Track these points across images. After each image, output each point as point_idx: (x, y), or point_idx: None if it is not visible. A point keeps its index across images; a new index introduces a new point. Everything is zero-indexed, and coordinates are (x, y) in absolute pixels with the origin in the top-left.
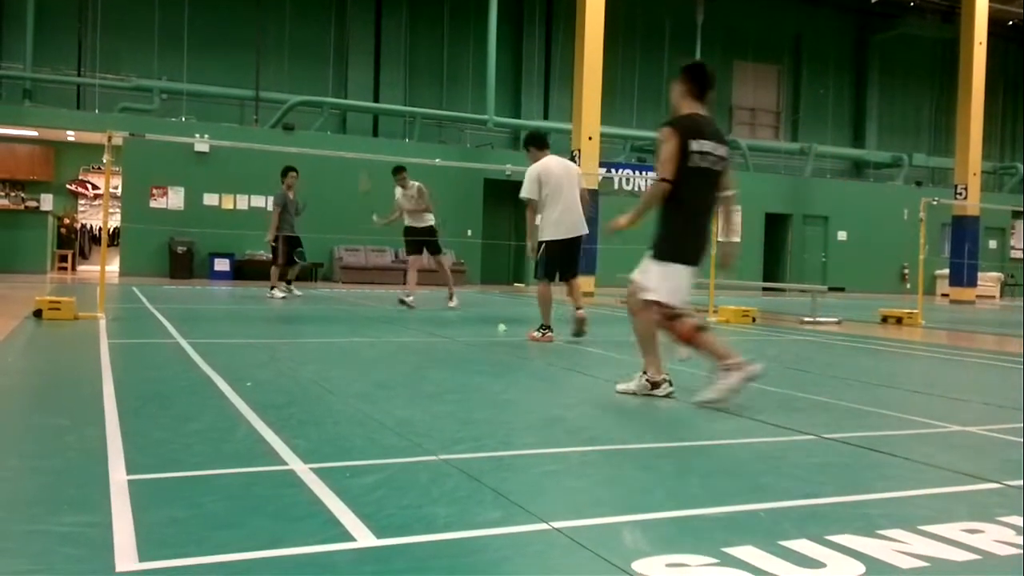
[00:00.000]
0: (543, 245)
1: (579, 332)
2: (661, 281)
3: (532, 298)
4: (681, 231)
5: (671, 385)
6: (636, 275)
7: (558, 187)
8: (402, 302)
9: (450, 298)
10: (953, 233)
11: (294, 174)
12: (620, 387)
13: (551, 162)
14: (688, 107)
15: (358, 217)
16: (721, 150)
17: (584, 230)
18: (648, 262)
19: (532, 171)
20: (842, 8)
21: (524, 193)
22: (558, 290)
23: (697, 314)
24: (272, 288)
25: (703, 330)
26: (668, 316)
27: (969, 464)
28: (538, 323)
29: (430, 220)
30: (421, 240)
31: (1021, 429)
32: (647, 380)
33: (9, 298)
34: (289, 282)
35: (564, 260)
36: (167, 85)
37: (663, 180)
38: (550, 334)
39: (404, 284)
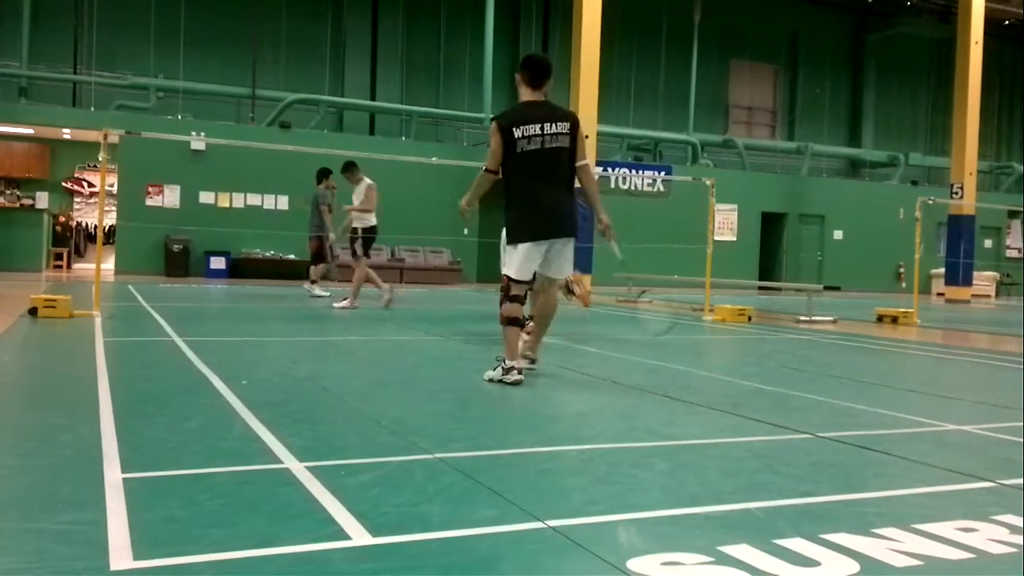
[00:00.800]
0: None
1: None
2: (509, 258)
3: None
4: (518, 214)
5: (520, 373)
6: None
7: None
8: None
9: (348, 298)
10: (949, 232)
11: (331, 176)
12: (486, 375)
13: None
14: (524, 96)
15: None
16: (558, 127)
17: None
18: (506, 246)
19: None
20: (839, 7)
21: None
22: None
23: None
24: (312, 282)
25: (514, 324)
26: (504, 290)
27: (964, 463)
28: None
29: (373, 221)
30: (366, 238)
31: (1016, 428)
32: (501, 367)
33: (4, 296)
34: (313, 282)
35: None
36: (163, 83)
37: (486, 170)
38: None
39: (376, 286)
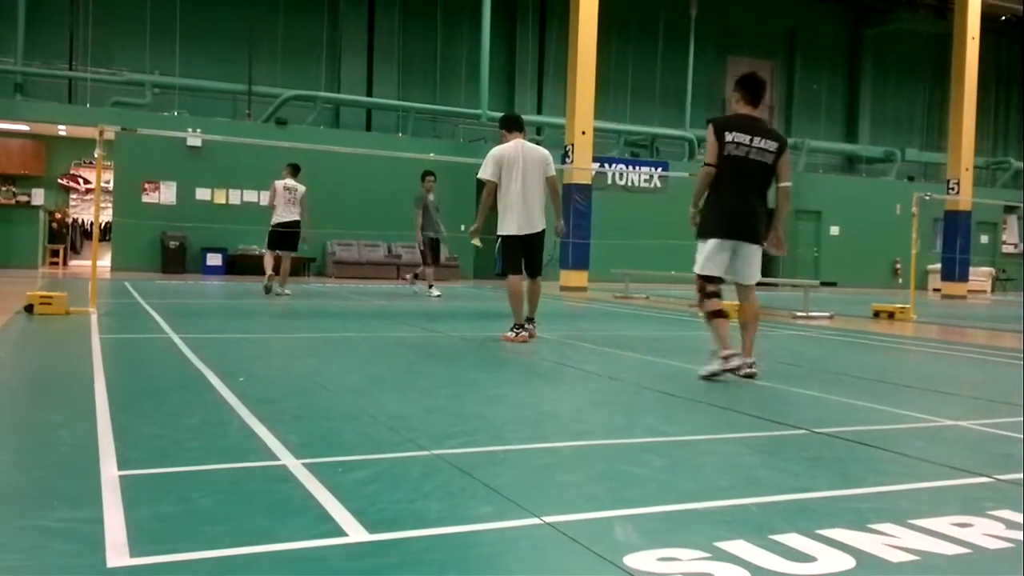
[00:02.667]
0: (500, 239)
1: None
2: (700, 255)
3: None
4: (711, 211)
5: (750, 366)
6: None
7: (518, 176)
8: (277, 293)
9: (282, 285)
10: (945, 228)
11: (431, 177)
12: (701, 372)
13: (517, 148)
14: (740, 109)
15: (351, 212)
16: (765, 144)
17: (537, 227)
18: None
19: (494, 152)
20: (836, 3)
21: (481, 173)
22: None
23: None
24: (430, 287)
25: (718, 316)
26: (700, 290)
27: (960, 458)
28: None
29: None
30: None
31: (1012, 423)
32: (719, 358)
33: (0, 293)
34: (417, 276)
35: (530, 257)
36: (159, 79)
37: (706, 164)
38: (523, 333)
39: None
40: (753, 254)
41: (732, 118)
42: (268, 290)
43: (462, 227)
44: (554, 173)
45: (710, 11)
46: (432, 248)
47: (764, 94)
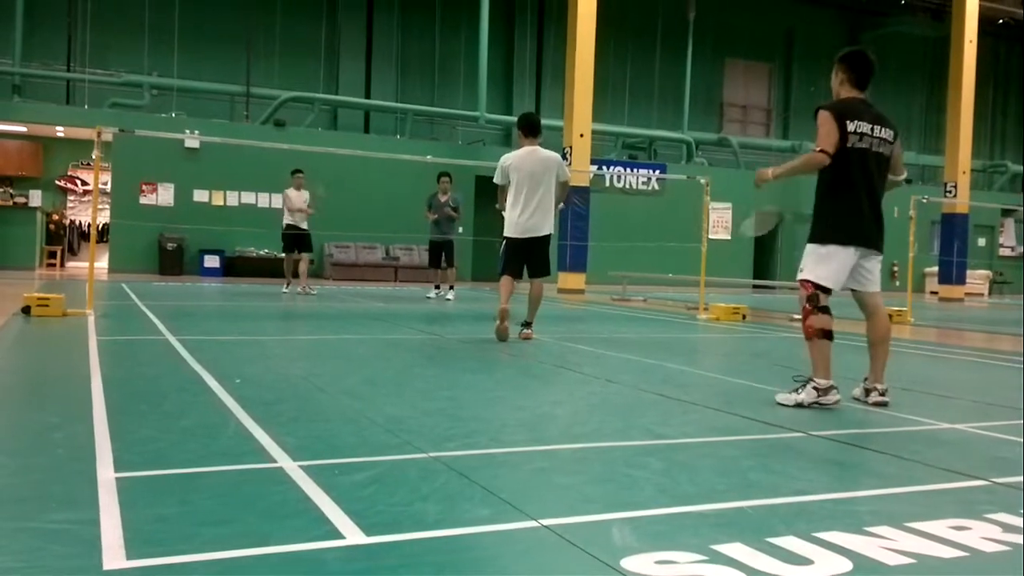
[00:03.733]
0: (504, 239)
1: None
2: (814, 262)
3: (523, 295)
4: (835, 210)
5: (838, 392)
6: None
7: (523, 183)
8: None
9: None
10: (942, 231)
11: (446, 178)
12: (780, 398)
13: (526, 156)
14: (847, 93)
15: (348, 214)
16: (884, 133)
17: (544, 231)
18: (807, 247)
19: (503, 159)
20: (833, 6)
21: (495, 179)
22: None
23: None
24: (436, 288)
25: (825, 336)
26: (810, 300)
27: (957, 461)
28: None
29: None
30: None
31: (1008, 426)
32: (814, 387)
33: None
34: (452, 287)
35: (529, 259)
36: (157, 81)
37: (821, 151)
38: (501, 323)
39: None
40: (878, 265)
41: (850, 103)
42: (299, 292)
43: (460, 229)
44: (567, 178)
45: (708, 14)
46: (434, 252)
47: (873, 75)
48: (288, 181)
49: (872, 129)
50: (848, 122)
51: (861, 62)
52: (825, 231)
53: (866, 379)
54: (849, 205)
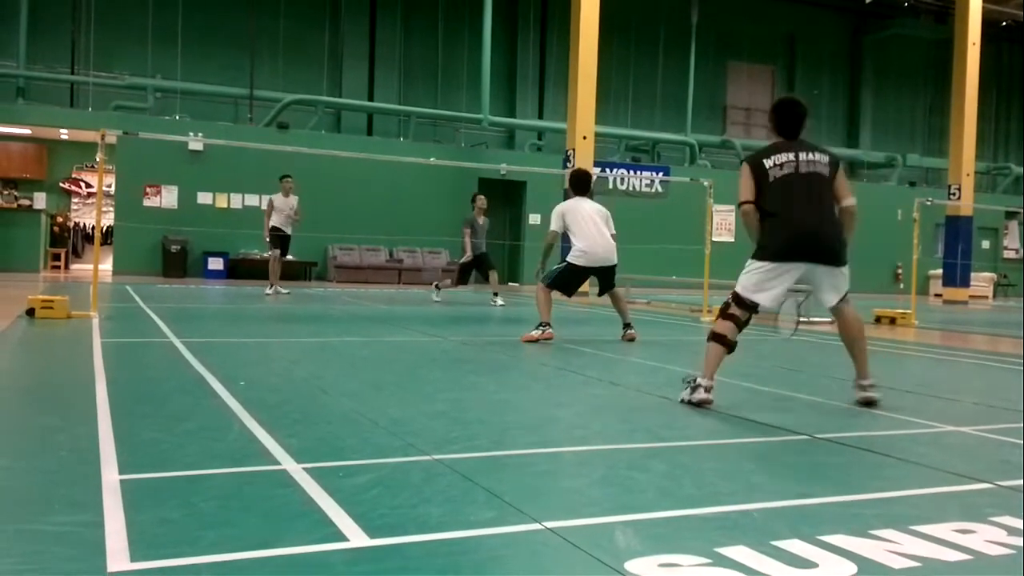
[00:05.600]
0: (567, 264)
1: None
2: (743, 274)
3: (525, 297)
4: (768, 232)
5: (706, 392)
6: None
7: (584, 220)
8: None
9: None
10: (946, 233)
11: (483, 197)
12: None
13: (581, 202)
14: (772, 140)
15: (352, 216)
16: (814, 156)
17: (613, 260)
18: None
19: (558, 208)
20: (836, 8)
21: (551, 226)
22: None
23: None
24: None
25: (722, 342)
26: (727, 307)
27: (961, 464)
28: (535, 322)
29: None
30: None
31: (1013, 429)
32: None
33: (2, 297)
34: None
35: (600, 280)
36: (161, 83)
37: (742, 204)
38: (550, 330)
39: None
40: (831, 276)
41: (770, 147)
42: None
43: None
44: (615, 231)
45: (711, 17)
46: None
47: (803, 125)
48: (276, 186)
49: (797, 155)
50: (764, 160)
51: (784, 110)
52: (756, 250)
53: (855, 381)
54: (780, 226)
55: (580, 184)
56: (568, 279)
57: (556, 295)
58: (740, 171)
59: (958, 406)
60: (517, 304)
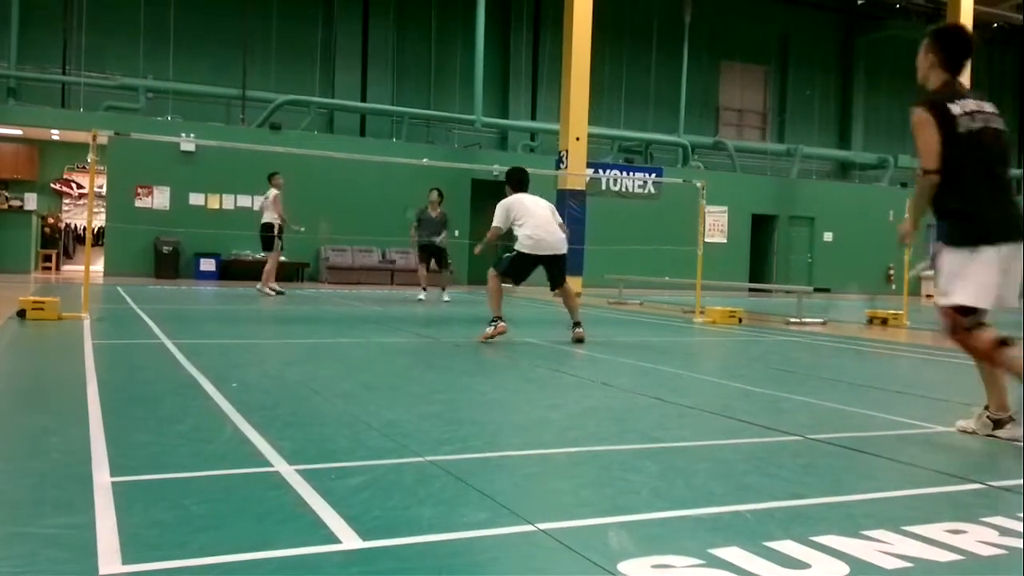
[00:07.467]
0: (516, 252)
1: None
2: (957, 276)
3: (522, 298)
4: (973, 201)
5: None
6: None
7: (529, 212)
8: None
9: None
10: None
11: (435, 192)
12: (960, 424)
13: (524, 196)
14: (937, 79)
15: (345, 217)
16: (990, 107)
17: (561, 250)
18: (940, 257)
19: (502, 203)
20: (828, 10)
21: (494, 222)
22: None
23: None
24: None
25: (1007, 344)
26: (962, 323)
27: (953, 465)
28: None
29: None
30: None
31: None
32: (988, 417)
33: None
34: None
35: (548, 273)
36: (153, 84)
37: (927, 172)
38: (502, 324)
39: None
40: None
41: (944, 88)
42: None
43: (456, 232)
44: (562, 221)
45: (704, 17)
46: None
47: (970, 57)
48: (272, 183)
49: (979, 105)
50: (950, 105)
51: (954, 41)
52: (963, 231)
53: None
54: (987, 193)
55: (518, 181)
56: (519, 267)
57: (507, 287)
58: (913, 122)
59: (949, 406)
60: (511, 305)
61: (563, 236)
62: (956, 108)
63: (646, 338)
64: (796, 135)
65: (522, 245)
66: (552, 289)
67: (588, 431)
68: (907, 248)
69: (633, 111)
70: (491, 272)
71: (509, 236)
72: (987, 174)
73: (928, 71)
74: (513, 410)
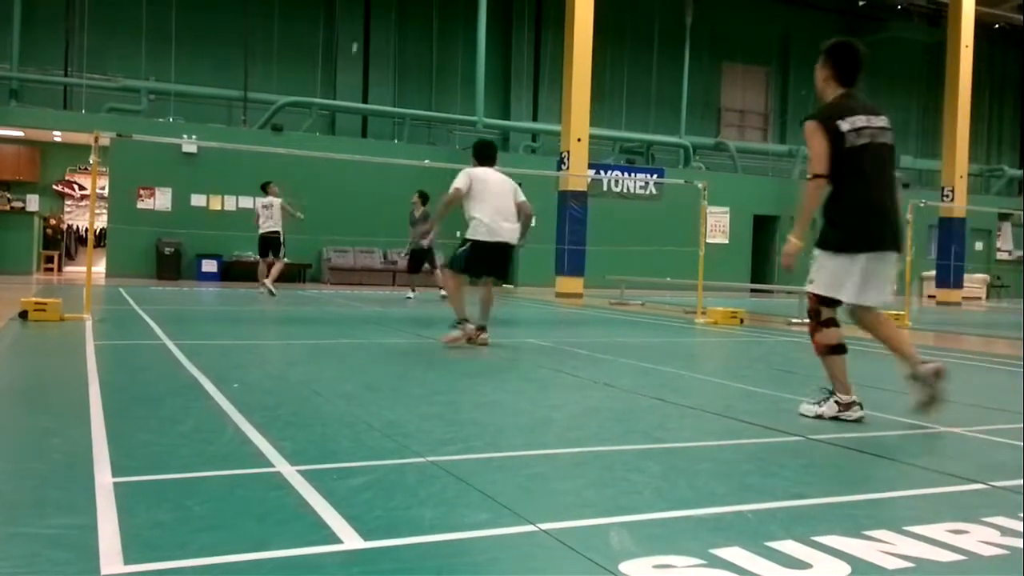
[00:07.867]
0: (470, 243)
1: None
2: (821, 269)
3: (521, 299)
4: (848, 214)
5: (861, 408)
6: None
7: (489, 189)
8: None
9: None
10: (940, 235)
11: (417, 193)
12: (804, 408)
13: (488, 172)
14: (833, 93)
15: (346, 219)
16: (880, 122)
17: (513, 240)
18: (816, 253)
19: (466, 170)
20: (829, 11)
21: (455, 184)
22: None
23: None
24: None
25: (838, 351)
26: (815, 314)
27: (955, 465)
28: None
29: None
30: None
31: (1006, 430)
32: (836, 401)
33: None
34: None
35: (492, 264)
36: (155, 85)
37: (816, 176)
38: (470, 326)
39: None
40: (893, 266)
41: (836, 104)
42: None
43: (457, 233)
44: (523, 199)
45: (705, 18)
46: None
47: (862, 71)
48: (270, 191)
49: (870, 120)
50: (839, 121)
51: (845, 56)
52: (834, 238)
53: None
54: (863, 207)
55: (485, 154)
56: (475, 260)
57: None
58: (806, 132)
59: (951, 407)
60: (511, 306)
61: (517, 226)
62: (845, 125)
63: (648, 339)
64: (797, 136)
65: (476, 232)
66: (480, 278)
67: (590, 431)
68: (790, 271)
69: (634, 112)
70: (446, 272)
71: (455, 219)
72: (864, 189)
73: (823, 84)
74: (515, 411)
